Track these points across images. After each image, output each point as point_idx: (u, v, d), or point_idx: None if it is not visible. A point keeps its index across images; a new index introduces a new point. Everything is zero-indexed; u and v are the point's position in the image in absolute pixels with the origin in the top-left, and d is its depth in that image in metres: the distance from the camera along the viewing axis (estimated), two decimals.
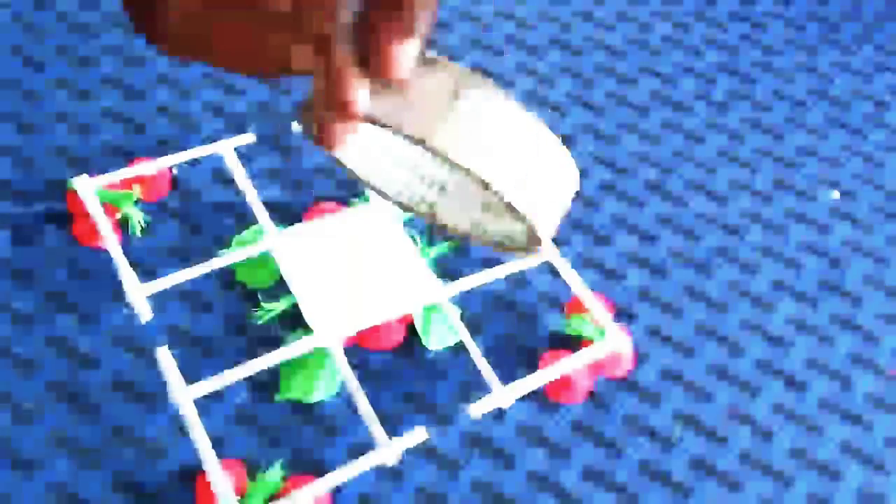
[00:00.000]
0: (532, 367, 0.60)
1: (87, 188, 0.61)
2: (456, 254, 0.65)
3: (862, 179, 0.73)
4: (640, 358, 0.62)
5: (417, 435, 0.53)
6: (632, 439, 0.58)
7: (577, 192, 0.69)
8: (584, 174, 0.71)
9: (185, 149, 0.68)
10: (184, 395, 0.53)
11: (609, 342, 0.58)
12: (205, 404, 0.57)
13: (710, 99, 0.77)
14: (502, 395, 0.54)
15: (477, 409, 0.54)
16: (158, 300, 0.61)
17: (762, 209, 0.70)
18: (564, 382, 0.58)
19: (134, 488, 0.53)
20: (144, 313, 0.57)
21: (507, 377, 0.60)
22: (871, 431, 0.60)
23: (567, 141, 0.73)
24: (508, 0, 0.82)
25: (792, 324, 0.64)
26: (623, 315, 0.64)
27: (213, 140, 0.69)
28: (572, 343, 0.61)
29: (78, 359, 0.58)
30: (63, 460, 0.54)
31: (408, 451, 0.56)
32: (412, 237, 0.64)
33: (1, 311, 0.59)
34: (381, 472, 0.55)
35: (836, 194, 0.72)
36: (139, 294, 0.57)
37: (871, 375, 0.62)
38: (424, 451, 0.56)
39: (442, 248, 0.64)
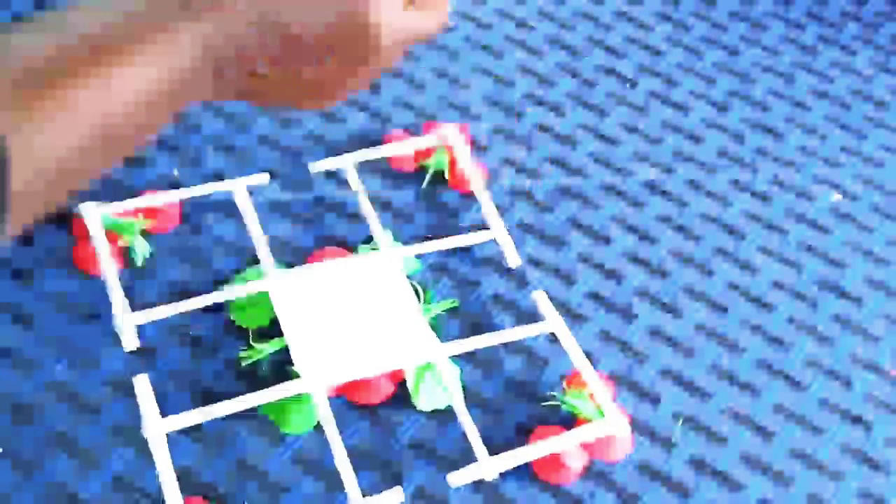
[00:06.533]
0: (527, 434, 0.58)
1: (94, 214, 0.60)
2: (459, 311, 0.65)
3: (862, 179, 0.73)
4: (640, 358, 0.62)
5: (393, 495, 0.52)
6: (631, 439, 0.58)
7: (577, 192, 0.70)
8: (584, 174, 0.71)
9: (190, 184, 0.67)
10: (155, 428, 0.51)
11: (606, 424, 0.55)
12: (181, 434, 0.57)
13: (710, 99, 0.77)
14: (487, 466, 0.53)
15: (457, 479, 0.52)
16: (149, 331, 0.61)
17: (762, 209, 0.70)
18: (553, 461, 0.55)
19: (134, 489, 0.54)
20: (130, 342, 0.56)
21: (498, 442, 0.58)
22: (871, 431, 0.60)
23: (567, 141, 0.73)
24: (508, 0, 0.82)
25: (792, 324, 0.64)
26: (626, 316, 0.64)
27: (221, 173, 0.68)
28: (571, 419, 0.59)
29: (78, 359, 0.58)
30: (63, 460, 0.54)
31: (406, 452, 0.56)
32: (416, 291, 0.63)
33: (1, 310, 0.59)
34: (380, 472, 0.56)
35: (837, 196, 0.72)
36: (128, 323, 0.56)
37: (872, 375, 0.62)
38: (424, 453, 0.57)
39: (445, 304, 0.62)
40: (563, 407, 0.57)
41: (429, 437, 0.57)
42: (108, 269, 0.58)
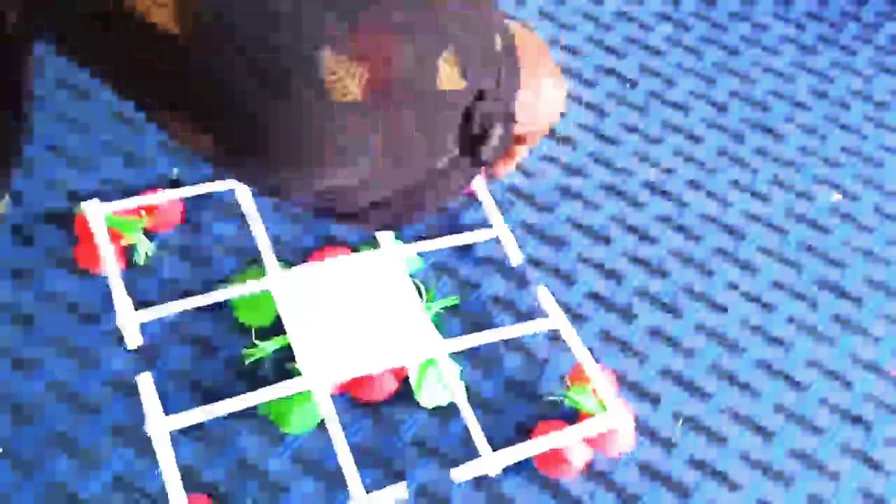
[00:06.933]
0: (528, 434, 0.58)
1: (97, 213, 0.60)
2: (461, 308, 0.65)
3: (862, 179, 0.73)
4: (640, 358, 0.62)
5: (397, 490, 0.52)
6: None
7: (577, 192, 0.70)
8: (584, 174, 0.71)
9: (191, 183, 0.67)
10: (159, 427, 0.52)
11: (608, 418, 0.55)
12: (181, 434, 0.57)
13: (710, 99, 0.77)
14: (490, 461, 0.53)
15: (460, 475, 0.52)
16: (149, 330, 0.61)
17: (762, 209, 0.70)
18: (556, 457, 0.55)
19: (134, 489, 0.54)
20: (133, 341, 0.56)
21: (499, 441, 0.58)
22: (871, 431, 0.60)
23: (567, 141, 0.73)
24: (508, 0, 0.82)
25: (792, 324, 0.64)
26: (626, 316, 0.64)
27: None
28: (574, 414, 0.59)
29: (78, 358, 0.58)
30: (63, 460, 0.54)
31: (409, 449, 0.56)
32: (417, 289, 0.63)
33: (1, 311, 0.59)
34: (383, 469, 0.56)
35: (837, 196, 0.72)
36: (131, 321, 0.56)
37: (872, 375, 0.62)
38: (426, 450, 0.57)
39: (446, 302, 0.62)
40: (566, 402, 0.57)
41: (431, 434, 0.57)
42: (111, 268, 0.58)
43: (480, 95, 0.38)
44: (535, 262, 0.65)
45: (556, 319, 0.59)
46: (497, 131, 0.40)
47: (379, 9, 0.32)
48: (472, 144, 0.40)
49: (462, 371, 0.60)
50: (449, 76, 0.36)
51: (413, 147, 0.36)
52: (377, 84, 0.33)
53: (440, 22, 0.34)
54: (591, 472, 0.57)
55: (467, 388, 0.59)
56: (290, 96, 0.32)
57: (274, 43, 0.30)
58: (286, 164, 0.34)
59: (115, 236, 0.61)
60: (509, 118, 0.41)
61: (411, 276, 0.63)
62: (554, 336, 0.62)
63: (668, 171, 0.72)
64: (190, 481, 0.54)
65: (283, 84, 0.31)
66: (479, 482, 0.56)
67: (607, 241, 0.67)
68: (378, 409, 0.58)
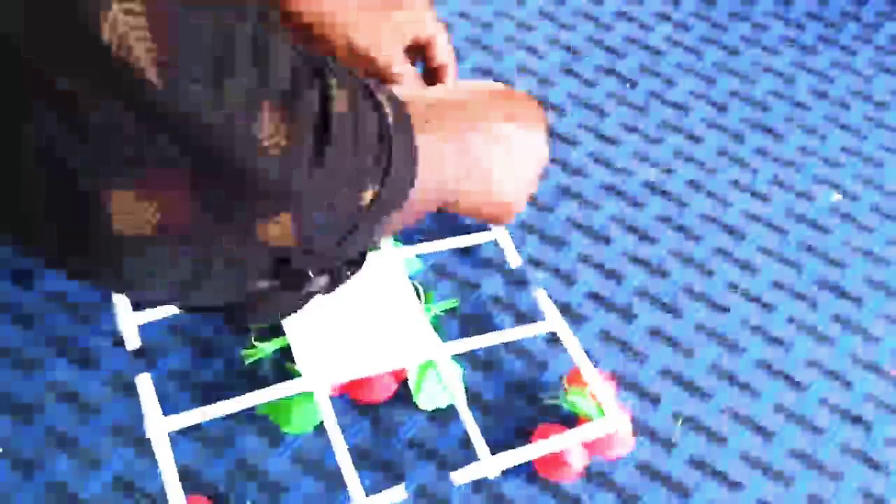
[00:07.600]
0: (527, 437, 0.58)
1: None
2: (460, 312, 0.65)
3: (862, 179, 0.73)
4: (640, 358, 0.62)
5: (395, 493, 0.52)
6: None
7: (577, 192, 0.70)
8: (584, 174, 0.71)
9: None
10: (158, 428, 0.51)
11: (607, 422, 0.55)
12: (181, 435, 0.57)
13: (710, 99, 0.77)
14: (489, 464, 0.52)
15: (460, 477, 0.52)
16: (149, 331, 0.61)
17: (762, 209, 0.70)
18: (555, 460, 0.55)
19: (134, 489, 0.54)
20: (132, 342, 0.56)
21: (500, 441, 0.59)
22: (871, 431, 0.60)
23: (567, 140, 0.73)
24: (509, 0, 0.82)
25: (792, 324, 0.64)
26: (626, 316, 0.64)
27: None
28: (573, 417, 0.59)
29: (78, 358, 0.58)
30: (63, 460, 0.54)
31: (408, 452, 0.57)
32: (417, 291, 0.63)
33: (1, 311, 0.59)
34: (382, 472, 0.56)
35: (837, 196, 0.72)
36: (130, 322, 0.56)
37: (872, 375, 0.62)
38: (425, 452, 0.57)
39: (445, 304, 0.62)
40: (564, 406, 0.57)
41: (430, 436, 0.57)
42: None
43: (309, 249, 0.40)
44: (534, 262, 0.65)
45: (555, 322, 0.59)
46: (321, 280, 0.43)
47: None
48: (293, 282, 0.43)
49: (464, 373, 0.60)
50: (278, 236, 0.39)
51: (217, 277, 0.40)
52: (170, 224, 0.36)
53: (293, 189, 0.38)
54: (591, 473, 0.57)
55: (466, 391, 0.59)
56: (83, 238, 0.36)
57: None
58: (86, 279, 0.38)
59: None
60: (343, 263, 0.44)
61: (410, 277, 0.63)
62: (554, 338, 0.62)
63: (668, 171, 0.72)
64: (190, 482, 0.54)
65: (79, 231, 0.35)
66: (479, 484, 0.56)
67: (607, 241, 0.67)
68: (377, 410, 0.58)
